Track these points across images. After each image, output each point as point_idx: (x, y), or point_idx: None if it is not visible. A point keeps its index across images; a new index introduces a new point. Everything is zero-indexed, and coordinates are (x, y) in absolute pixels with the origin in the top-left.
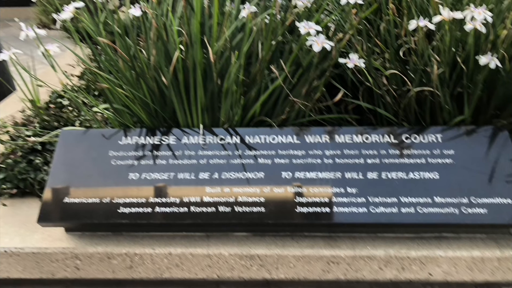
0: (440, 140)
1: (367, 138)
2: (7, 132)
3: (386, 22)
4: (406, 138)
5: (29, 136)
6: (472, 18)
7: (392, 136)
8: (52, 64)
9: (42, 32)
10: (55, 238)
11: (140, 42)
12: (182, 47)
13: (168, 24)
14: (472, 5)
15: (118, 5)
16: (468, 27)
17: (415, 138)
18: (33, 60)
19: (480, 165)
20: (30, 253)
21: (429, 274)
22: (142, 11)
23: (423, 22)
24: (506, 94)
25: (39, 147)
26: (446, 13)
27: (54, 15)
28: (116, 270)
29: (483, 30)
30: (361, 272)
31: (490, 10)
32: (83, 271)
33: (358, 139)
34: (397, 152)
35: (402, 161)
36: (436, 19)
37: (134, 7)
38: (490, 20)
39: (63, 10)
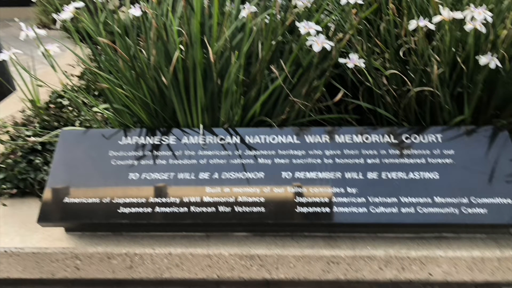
0: (440, 140)
1: (367, 138)
2: (7, 132)
3: (386, 22)
4: (406, 138)
5: (29, 136)
6: (472, 18)
7: (392, 136)
8: (52, 64)
9: (42, 32)
10: (55, 238)
11: (140, 42)
12: (182, 47)
13: (168, 24)
14: (472, 5)
15: (118, 5)
16: (468, 27)
17: (415, 138)
18: (33, 60)
19: (480, 165)
20: (30, 253)
21: (429, 274)
22: (142, 11)
23: (423, 22)
24: (506, 94)
25: (39, 147)
26: (446, 13)
27: (54, 15)
28: (116, 270)
29: (483, 30)
30: (361, 272)
31: (490, 10)
32: (83, 271)
33: (358, 139)
34: (397, 152)
35: (402, 161)
36: (436, 19)
37: (134, 7)
38: (490, 20)
39: (63, 10)
